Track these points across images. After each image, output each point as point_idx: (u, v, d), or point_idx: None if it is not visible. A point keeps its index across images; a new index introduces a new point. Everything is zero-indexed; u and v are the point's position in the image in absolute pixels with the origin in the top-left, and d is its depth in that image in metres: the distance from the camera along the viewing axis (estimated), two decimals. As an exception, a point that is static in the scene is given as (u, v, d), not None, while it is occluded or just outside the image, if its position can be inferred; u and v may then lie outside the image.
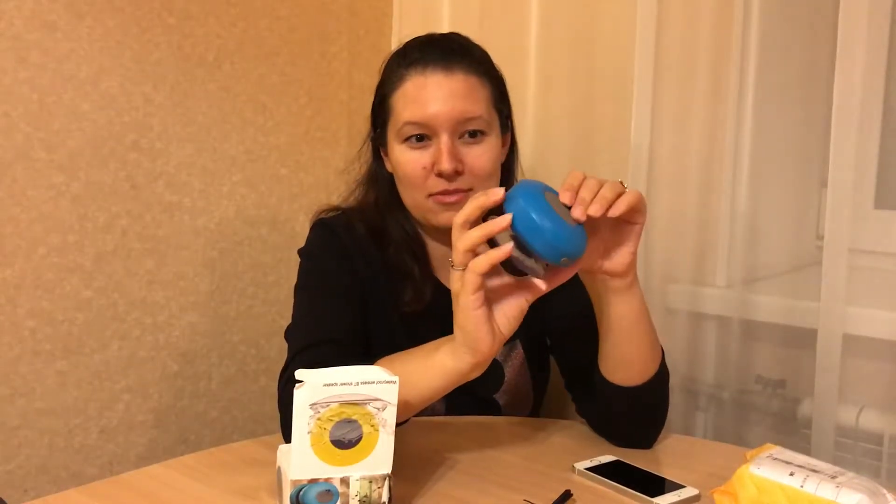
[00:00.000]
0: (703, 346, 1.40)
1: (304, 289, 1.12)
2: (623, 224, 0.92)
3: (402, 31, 1.70)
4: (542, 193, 0.84)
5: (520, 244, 0.83)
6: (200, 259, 1.50)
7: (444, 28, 1.60)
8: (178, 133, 1.45)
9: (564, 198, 0.86)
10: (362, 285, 1.12)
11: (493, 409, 1.18)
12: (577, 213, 0.85)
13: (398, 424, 0.92)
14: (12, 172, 1.27)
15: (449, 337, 0.89)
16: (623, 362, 1.00)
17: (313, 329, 1.05)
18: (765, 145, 1.37)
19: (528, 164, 1.53)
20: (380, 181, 1.17)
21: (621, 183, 0.90)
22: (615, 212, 0.87)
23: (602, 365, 1.03)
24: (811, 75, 1.41)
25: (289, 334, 1.10)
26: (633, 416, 1.03)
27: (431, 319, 1.11)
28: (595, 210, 0.85)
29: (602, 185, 0.88)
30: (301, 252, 1.16)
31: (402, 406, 0.87)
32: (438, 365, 0.89)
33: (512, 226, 0.82)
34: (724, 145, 1.35)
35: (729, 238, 1.36)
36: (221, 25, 1.49)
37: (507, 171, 1.17)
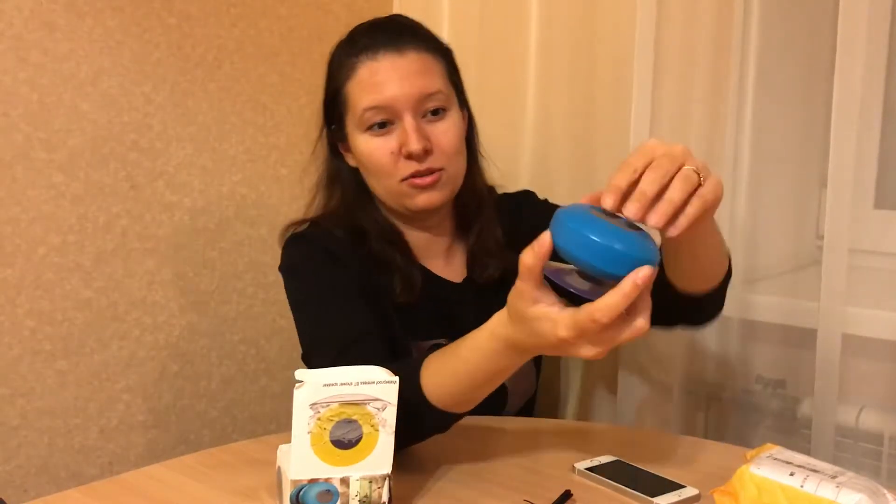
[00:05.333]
0: (703, 346, 1.40)
1: (307, 301, 1.07)
2: None
3: (402, 31, 1.69)
4: (588, 211, 0.73)
5: (586, 274, 0.73)
6: (200, 259, 1.50)
7: (445, 29, 1.60)
8: (178, 133, 1.45)
9: (605, 202, 0.72)
10: (356, 282, 1.09)
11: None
12: (631, 210, 0.71)
13: (464, 414, 0.91)
14: (12, 172, 1.27)
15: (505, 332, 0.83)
16: (695, 275, 0.96)
17: (341, 330, 1.01)
18: (765, 145, 1.37)
19: (529, 163, 1.54)
20: (343, 178, 1.14)
21: (696, 171, 0.73)
22: (676, 230, 0.72)
23: (676, 280, 0.96)
24: (811, 75, 1.41)
25: (312, 347, 1.05)
26: (703, 312, 1.03)
27: (426, 307, 1.12)
28: (656, 220, 0.71)
29: (667, 178, 0.72)
30: (284, 269, 1.11)
31: (460, 386, 0.87)
32: (487, 334, 0.84)
33: (571, 258, 0.71)
34: (724, 145, 1.35)
35: (729, 238, 1.36)
36: (221, 26, 1.49)
37: (469, 148, 1.14)
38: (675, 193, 0.72)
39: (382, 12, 1.73)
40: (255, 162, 1.56)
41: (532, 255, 0.76)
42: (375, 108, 1.04)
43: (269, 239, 1.59)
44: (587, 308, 0.72)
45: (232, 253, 1.54)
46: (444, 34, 1.62)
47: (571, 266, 0.74)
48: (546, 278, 0.77)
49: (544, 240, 0.75)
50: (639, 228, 0.73)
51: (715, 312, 1.07)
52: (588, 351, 0.76)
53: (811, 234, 1.46)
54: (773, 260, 1.41)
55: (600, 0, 1.44)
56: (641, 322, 0.73)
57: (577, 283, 0.75)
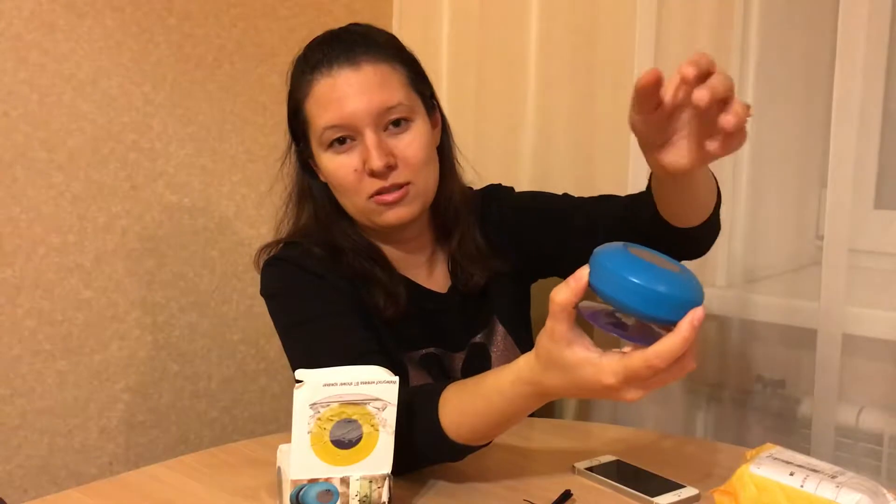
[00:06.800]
0: (703, 346, 1.40)
1: (298, 323, 1.03)
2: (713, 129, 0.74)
3: (402, 32, 1.70)
4: (625, 251, 0.70)
5: (627, 316, 0.70)
6: (200, 259, 1.50)
7: (445, 29, 1.60)
8: (178, 133, 1.45)
9: (689, 70, 0.68)
10: (346, 300, 1.05)
11: None
12: (669, 94, 0.70)
13: (482, 446, 0.89)
14: (12, 172, 1.27)
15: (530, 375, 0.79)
16: (693, 210, 0.95)
17: (340, 350, 0.97)
18: (765, 145, 1.37)
19: (529, 164, 1.54)
20: (315, 194, 1.10)
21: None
22: (734, 118, 0.69)
23: (674, 219, 0.96)
24: (811, 75, 1.41)
25: (311, 369, 1.02)
26: (702, 242, 1.03)
27: (413, 318, 1.09)
28: (702, 95, 0.67)
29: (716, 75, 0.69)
30: (267, 294, 1.07)
31: (481, 426, 0.85)
32: (512, 377, 0.81)
33: (615, 302, 0.67)
34: (724, 145, 1.35)
35: (729, 238, 1.36)
36: (221, 26, 1.49)
37: (443, 154, 1.11)
38: (716, 81, 0.69)
39: (382, 12, 1.74)
40: (255, 162, 1.56)
41: (567, 292, 0.71)
42: (335, 127, 1.00)
43: (268, 239, 1.59)
44: (642, 354, 0.69)
45: (232, 253, 1.54)
46: (444, 34, 1.62)
47: (609, 308, 0.71)
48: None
49: (580, 276, 0.71)
50: (676, 266, 0.71)
51: (713, 238, 1.04)
52: (633, 395, 0.72)
53: (811, 234, 1.46)
54: (773, 260, 1.41)
55: (601, 0, 1.44)
56: (691, 363, 0.70)
57: (618, 327, 0.71)
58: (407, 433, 0.84)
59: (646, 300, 0.66)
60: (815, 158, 1.42)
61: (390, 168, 1.00)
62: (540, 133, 1.52)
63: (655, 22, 1.35)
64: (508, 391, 0.81)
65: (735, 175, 1.35)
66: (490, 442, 0.90)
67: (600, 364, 0.71)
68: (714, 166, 1.34)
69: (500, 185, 1.24)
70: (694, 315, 0.67)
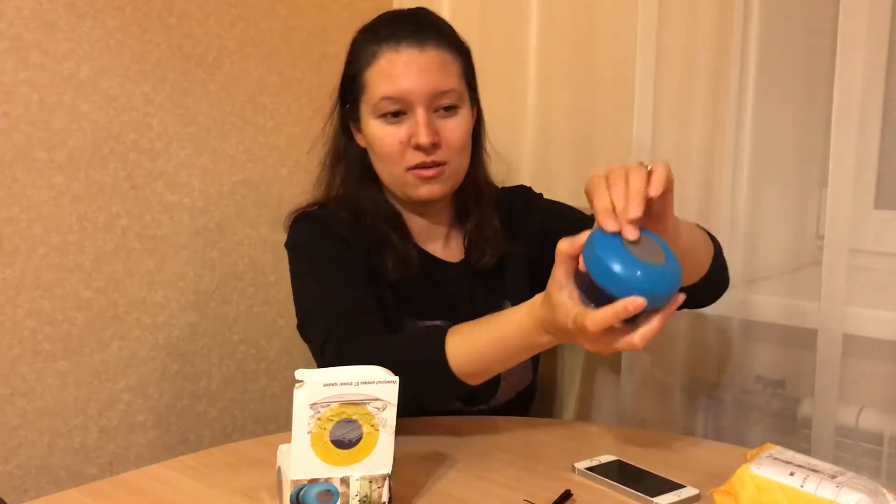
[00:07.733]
0: (704, 346, 1.40)
1: (308, 273, 1.12)
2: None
3: (402, 31, 1.69)
4: (620, 241, 0.80)
5: (597, 287, 0.80)
6: (200, 259, 1.50)
7: (444, 28, 1.60)
8: (178, 133, 1.45)
9: (608, 226, 0.80)
10: (359, 262, 1.13)
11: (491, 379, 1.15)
12: (629, 233, 0.79)
13: (481, 384, 0.97)
14: (12, 172, 1.27)
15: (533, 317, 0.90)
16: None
17: (338, 304, 1.05)
18: (765, 145, 1.37)
19: (529, 163, 1.54)
20: (350, 157, 1.18)
21: (640, 164, 0.86)
22: (654, 191, 0.82)
23: None
24: (811, 75, 1.41)
25: (309, 316, 1.08)
26: (703, 296, 1.09)
27: (424, 287, 1.16)
28: (635, 211, 0.80)
29: (626, 178, 0.82)
30: (290, 245, 1.16)
31: (476, 358, 0.93)
32: (526, 308, 0.91)
33: (602, 285, 0.79)
34: (725, 145, 1.35)
35: (729, 238, 1.36)
36: (221, 26, 1.49)
37: (475, 143, 1.19)
38: (636, 183, 0.81)
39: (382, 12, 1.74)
40: (255, 162, 1.56)
41: (569, 243, 0.83)
42: (391, 99, 1.08)
43: (269, 239, 1.59)
44: (584, 313, 0.81)
45: (232, 253, 1.54)
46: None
47: (592, 279, 0.82)
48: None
49: (582, 235, 0.83)
50: (662, 259, 0.81)
51: (716, 294, 1.12)
52: (587, 346, 0.85)
53: (811, 234, 1.46)
54: (773, 260, 1.41)
55: (601, 0, 1.44)
56: (636, 339, 0.81)
57: (588, 292, 0.82)
58: (411, 358, 0.94)
59: (602, 273, 0.78)
60: (815, 158, 1.42)
61: (435, 146, 1.09)
62: (540, 133, 1.52)
63: (656, 22, 1.35)
64: (515, 320, 0.91)
65: (735, 175, 1.35)
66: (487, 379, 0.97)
67: (570, 311, 0.83)
68: (714, 164, 1.36)
69: (530, 188, 1.29)
70: (633, 300, 0.77)
